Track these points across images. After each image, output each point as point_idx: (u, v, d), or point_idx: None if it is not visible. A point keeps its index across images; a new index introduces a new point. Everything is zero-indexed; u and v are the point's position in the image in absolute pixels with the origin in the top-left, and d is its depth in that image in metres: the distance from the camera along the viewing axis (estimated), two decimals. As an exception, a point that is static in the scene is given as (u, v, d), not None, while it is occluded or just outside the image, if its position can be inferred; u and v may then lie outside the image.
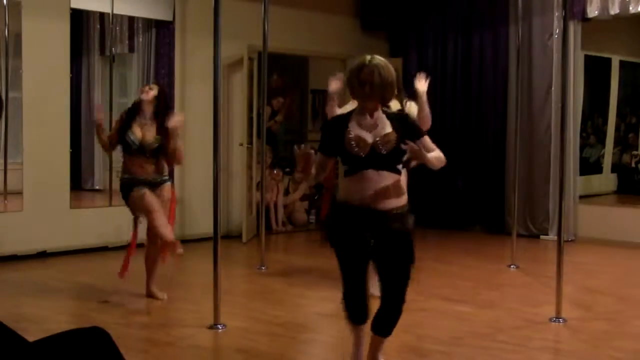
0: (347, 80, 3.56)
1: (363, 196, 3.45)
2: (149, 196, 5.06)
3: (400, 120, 3.57)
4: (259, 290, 5.91)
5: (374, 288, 3.74)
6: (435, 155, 3.54)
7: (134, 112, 5.14)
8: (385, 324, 3.62)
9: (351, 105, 4.41)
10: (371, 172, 3.44)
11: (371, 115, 3.51)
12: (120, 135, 5.11)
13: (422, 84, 5.27)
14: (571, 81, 7.99)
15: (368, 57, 3.49)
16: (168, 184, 5.26)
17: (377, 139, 3.44)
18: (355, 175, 3.48)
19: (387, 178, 3.45)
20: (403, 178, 3.62)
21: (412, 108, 5.22)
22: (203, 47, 7.46)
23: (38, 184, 6.93)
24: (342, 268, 3.60)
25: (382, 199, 3.44)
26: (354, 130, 3.48)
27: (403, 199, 3.51)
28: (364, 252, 3.53)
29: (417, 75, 5.36)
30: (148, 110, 5.13)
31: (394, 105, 4.99)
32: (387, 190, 3.44)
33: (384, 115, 3.52)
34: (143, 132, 5.09)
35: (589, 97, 10.28)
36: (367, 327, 3.66)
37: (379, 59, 3.49)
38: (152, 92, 5.12)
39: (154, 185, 5.16)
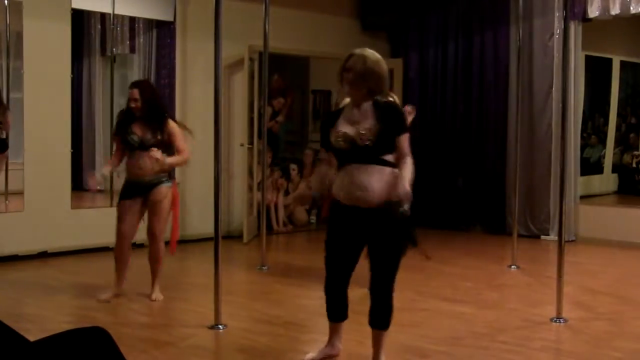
0: (338, 71, 3.61)
1: (346, 192, 3.51)
2: (124, 209, 5.34)
3: (388, 109, 3.53)
4: (260, 290, 5.92)
5: None
6: (408, 172, 3.43)
7: (129, 116, 5.25)
8: (376, 317, 3.65)
9: None
10: (354, 167, 3.48)
11: (358, 107, 3.55)
12: (122, 139, 5.26)
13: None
14: (572, 81, 7.99)
15: (358, 50, 3.58)
16: (162, 186, 5.26)
17: (361, 131, 3.47)
18: (341, 170, 3.56)
19: (370, 172, 3.45)
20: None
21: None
22: (204, 47, 7.47)
23: (39, 184, 6.93)
24: (327, 261, 3.68)
25: (363, 197, 3.46)
26: (340, 125, 3.54)
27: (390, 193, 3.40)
28: (350, 249, 3.60)
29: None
30: (140, 113, 5.22)
31: None
32: (366, 187, 3.44)
33: (372, 107, 3.53)
34: (142, 130, 5.20)
35: (590, 98, 10.28)
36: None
37: (370, 51, 3.58)
38: (137, 103, 5.19)
39: (148, 188, 5.21)
